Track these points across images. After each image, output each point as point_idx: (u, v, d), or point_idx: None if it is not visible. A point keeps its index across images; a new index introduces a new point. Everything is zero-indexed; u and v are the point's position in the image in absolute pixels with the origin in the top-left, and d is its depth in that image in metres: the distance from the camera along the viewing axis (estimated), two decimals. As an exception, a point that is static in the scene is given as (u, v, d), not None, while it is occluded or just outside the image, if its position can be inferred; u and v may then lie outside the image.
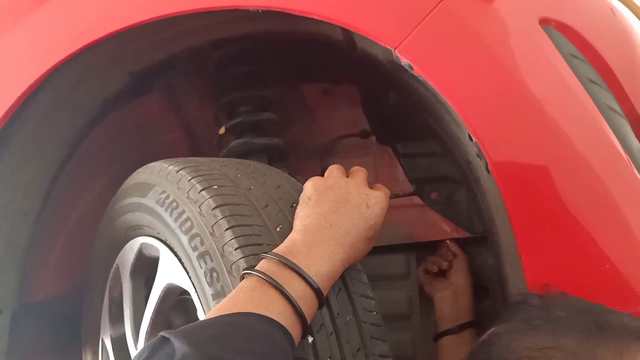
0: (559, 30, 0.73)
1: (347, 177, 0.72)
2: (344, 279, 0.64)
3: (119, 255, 0.86)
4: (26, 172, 0.91)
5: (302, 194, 0.68)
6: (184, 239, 0.66)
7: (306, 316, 0.57)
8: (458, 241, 1.07)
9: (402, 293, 1.10)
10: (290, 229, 0.65)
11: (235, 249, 0.61)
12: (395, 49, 0.71)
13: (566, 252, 0.66)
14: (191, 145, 1.18)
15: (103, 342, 0.92)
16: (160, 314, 0.77)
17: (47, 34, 0.84)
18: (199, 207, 0.66)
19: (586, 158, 0.67)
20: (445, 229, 1.07)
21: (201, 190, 0.67)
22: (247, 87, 1.00)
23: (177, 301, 0.79)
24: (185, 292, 0.72)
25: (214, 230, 0.63)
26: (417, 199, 1.07)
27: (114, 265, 0.87)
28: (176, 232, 0.68)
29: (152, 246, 0.77)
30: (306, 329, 0.58)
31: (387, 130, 1.11)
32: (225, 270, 0.61)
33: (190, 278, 0.68)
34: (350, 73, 1.06)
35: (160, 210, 0.71)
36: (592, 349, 0.49)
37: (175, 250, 0.71)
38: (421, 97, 0.78)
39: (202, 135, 1.17)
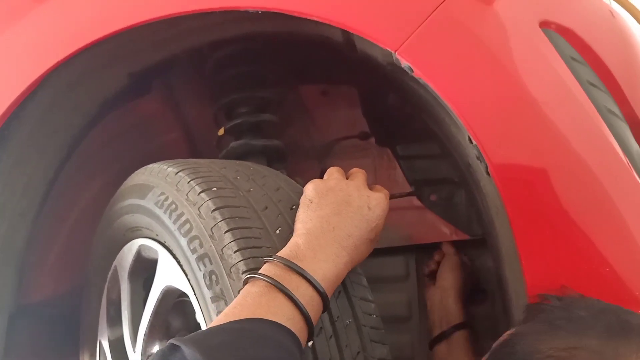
0: (559, 33, 0.73)
1: (347, 178, 0.72)
2: (343, 282, 0.64)
3: (118, 256, 0.85)
4: (24, 173, 0.90)
5: (302, 197, 0.68)
6: (183, 241, 0.66)
7: (312, 320, 0.57)
8: (457, 243, 1.07)
9: (401, 295, 1.10)
10: (290, 231, 0.65)
11: (235, 252, 0.61)
12: (395, 51, 0.70)
13: (566, 255, 0.66)
14: (190, 146, 1.18)
15: (100, 344, 0.91)
16: (158, 316, 0.77)
17: (46, 34, 0.84)
18: (198, 209, 0.65)
19: (586, 161, 0.67)
20: (445, 231, 1.07)
21: (200, 192, 0.67)
22: (246, 88, 1.00)
23: (175, 303, 0.79)
24: (184, 294, 0.71)
25: (213, 233, 0.63)
26: (416, 201, 1.07)
27: (112, 266, 0.87)
28: (175, 235, 0.68)
29: (150, 248, 0.77)
30: (311, 333, 0.57)
31: (386, 132, 1.11)
32: (224, 272, 0.61)
33: (189, 280, 0.68)
34: (350, 75, 1.05)
35: (159, 212, 0.70)
36: (615, 348, 0.50)
37: (174, 252, 0.71)
38: (421, 99, 0.77)
39: (201, 136, 1.17)
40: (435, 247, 1.09)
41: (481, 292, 1.07)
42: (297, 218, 0.65)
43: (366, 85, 1.08)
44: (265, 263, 0.60)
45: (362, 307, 0.65)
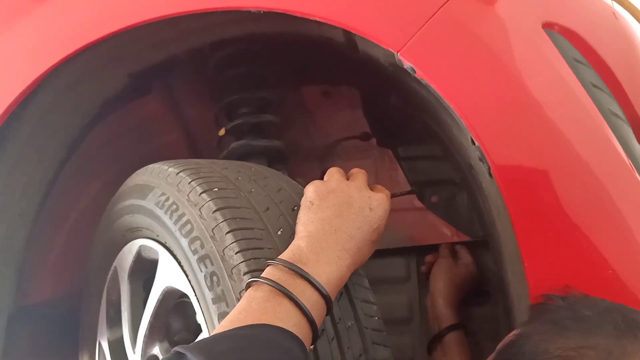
0: (562, 34, 0.73)
1: (347, 179, 0.72)
2: (345, 283, 0.64)
3: (118, 257, 0.85)
4: (24, 173, 0.90)
5: (303, 199, 0.67)
6: (184, 242, 0.66)
7: (317, 325, 0.56)
8: (457, 245, 1.07)
9: (402, 297, 1.10)
10: (292, 232, 0.64)
11: (236, 253, 0.61)
12: (397, 52, 0.70)
13: (568, 256, 0.66)
14: (190, 146, 1.17)
15: (100, 345, 0.91)
16: (158, 317, 0.76)
17: (46, 34, 0.83)
18: (200, 209, 0.65)
19: (588, 163, 0.67)
20: (446, 233, 1.06)
21: (202, 193, 0.66)
22: (247, 88, 1.00)
23: (175, 304, 0.79)
24: (184, 295, 0.71)
25: (214, 234, 0.63)
26: (417, 202, 1.07)
27: (112, 267, 0.87)
28: (176, 235, 0.67)
29: (151, 248, 0.77)
30: (316, 337, 0.57)
31: (387, 133, 1.11)
32: (225, 274, 0.61)
33: (189, 281, 0.67)
34: (351, 75, 1.05)
35: (159, 212, 0.70)
36: (623, 346, 0.50)
37: (175, 253, 0.70)
38: (423, 100, 0.77)
39: (202, 137, 1.16)
40: (436, 248, 1.09)
41: (483, 294, 1.06)
42: (298, 220, 0.65)
43: (368, 86, 1.07)
44: (267, 266, 0.59)
45: (364, 309, 0.64)
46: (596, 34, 0.77)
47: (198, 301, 0.66)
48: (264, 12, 0.76)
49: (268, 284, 0.56)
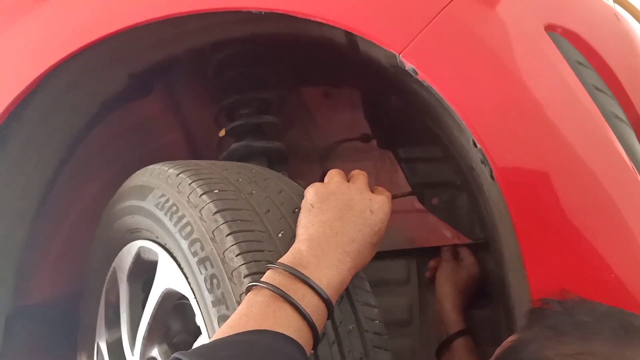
0: (564, 36, 0.73)
1: (348, 181, 0.71)
2: (346, 286, 0.63)
3: (117, 258, 0.85)
4: (23, 173, 0.90)
5: (303, 201, 0.67)
6: (184, 244, 0.65)
7: (318, 330, 0.56)
8: (459, 246, 1.07)
9: (402, 299, 1.09)
10: (293, 235, 0.64)
11: (237, 255, 0.60)
12: (399, 54, 0.70)
13: (571, 260, 0.65)
14: (190, 147, 1.17)
15: (98, 346, 0.90)
16: (157, 319, 0.76)
17: (46, 34, 0.83)
18: (200, 211, 0.65)
19: (591, 166, 0.66)
20: (446, 235, 1.06)
21: (202, 195, 0.66)
22: (247, 89, 1.00)
23: (175, 306, 0.78)
24: (184, 297, 0.70)
25: (214, 236, 0.62)
26: (418, 204, 1.07)
27: (111, 268, 0.86)
28: (176, 237, 0.67)
29: (150, 250, 0.76)
30: (317, 342, 0.57)
31: (388, 135, 1.10)
32: (226, 276, 0.60)
33: (189, 284, 0.67)
34: (352, 76, 1.05)
35: (159, 213, 0.70)
36: (621, 352, 0.50)
37: (175, 255, 0.70)
38: (424, 102, 0.77)
39: (201, 138, 1.16)
40: (437, 250, 1.08)
41: (484, 296, 1.06)
42: (298, 223, 0.65)
43: (368, 87, 1.07)
44: (268, 270, 0.59)
45: (365, 313, 0.64)
46: (598, 36, 0.77)
47: (198, 303, 0.65)
48: (265, 12, 0.75)
49: (268, 289, 0.56)
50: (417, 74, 0.70)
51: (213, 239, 0.62)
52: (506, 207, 0.68)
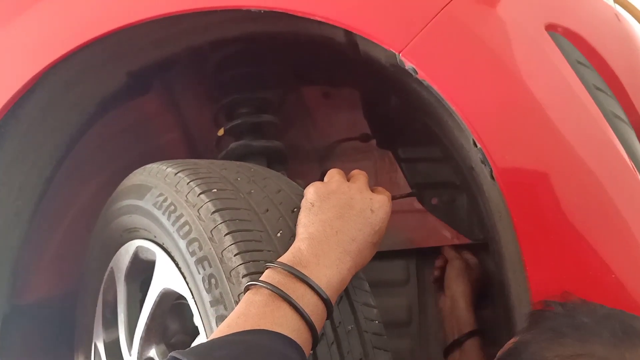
0: (565, 36, 0.73)
1: (348, 181, 0.71)
2: (345, 287, 0.63)
3: (114, 258, 0.84)
4: (20, 171, 0.89)
5: (303, 200, 0.66)
6: (182, 244, 0.65)
7: (317, 330, 0.55)
8: (458, 247, 1.06)
9: (401, 300, 1.09)
10: (292, 234, 0.64)
11: (235, 255, 0.60)
12: (399, 53, 0.70)
13: (571, 261, 0.65)
14: (188, 146, 1.16)
15: (96, 346, 0.90)
16: (155, 319, 0.75)
17: (44, 31, 0.83)
18: (198, 210, 0.64)
19: (592, 166, 0.66)
20: (446, 235, 1.06)
21: (200, 194, 0.65)
22: (246, 88, 0.99)
23: (172, 306, 0.78)
24: (182, 297, 0.70)
25: (213, 235, 0.62)
26: (417, 204, 1.06)
27: (109, 268, 0.86)
28: (174, 236, 0.66)
29: (148, 250, 0.76)
30: (316, 343, 0.56)
31: (388, 135, 1.10)
32: (224, 276, 0.60)
33: (187, 283, 0.66)
34: (352, 76, 1.05)
35: (157, 213, 0.69)
36: (621, 354, 0.49)
37: (173, 254, 0.70)
38: (424, 101, 0.76)
39: (200, 137, 1.16)
40: (436, 251, 1.08)
41: (483, 297, 1.05)
42: (298, 222, 0.64)
43: (368, 87, 1.07)
44: (267, 269, 0.58)
45: (364, 313, 0.63)
46: (599, 36, 0.76)
47: (196, 303, 0.65)
48: (264, 11, 0.75)
49: (267, 288, 0.55)
50: (417, 73, 0.69)
51: (211, 239, 0.62)
52: (506, 207, 0.67)
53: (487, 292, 1.05)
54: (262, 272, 0.59)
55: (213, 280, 0.61)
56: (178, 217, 0.66)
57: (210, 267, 0.61)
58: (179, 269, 0.68)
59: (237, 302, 0.59)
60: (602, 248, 0.65)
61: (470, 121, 0.67)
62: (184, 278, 0.67)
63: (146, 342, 0.76)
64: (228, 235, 0.61)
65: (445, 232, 1.06)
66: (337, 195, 0.66)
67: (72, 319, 0.98)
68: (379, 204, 0.67)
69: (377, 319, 0.65)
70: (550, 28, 0.72)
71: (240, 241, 0.61)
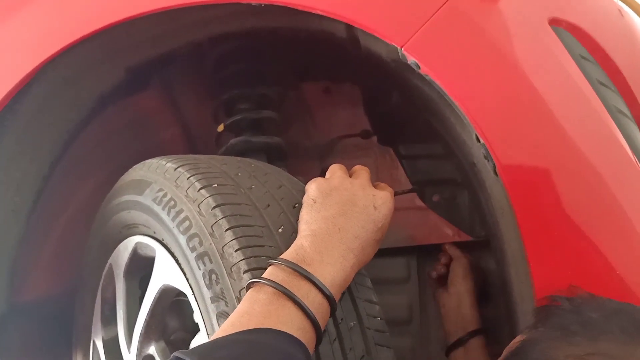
0: (568, 31, 0.72)
1: (350, 177, 0.70)
2: (348, 284, 0.62)
3: (113, 254, 0.83)
4: (18, 168, 0.89)
5: (305, 196, 0.66)
6: (182, 239, 0.64)
7: (321, 328, 0.55)
8: (460, 245, 1.05)
9: (402, 297, 1.08)
10: (293, 230, 0.63)
11: (236, 251, 0.59)
12: (401, 47, 0.69)
13: (575, 257, 0.65)
14: (188, 143, 1.16)
15: (94, 343, 0.89)
16: (155, 316, 0.75)
17: (41, 26, 0.82)
18: (198, 206, 0.63)
19: (595, 161, 0.66)
20: (447, 232, 1.05)
21: (200, 189, 0.65)
22: (246, 84, 0.99)
23: (172, 303, 0.77)
24: (182, 294, 0.69)
25: (213, 231, 0.61)
26: (418, 201, 1.06)
27: (107, 264, 0.85)
28: (174, 232, 0.66)
29: (147, 246, 0.75)
30: (320, 341, 0.56)
31: (388, 131, 1.09)
32: (225, 272, 0.59)
33: (187, 280, 0.66)
34: (353, 72, 1.04)
35: (157, 208, 0.68)
36: (632, 351, 0.48)
37: (172, 250, 0.69)
38: (425, 97, 0.76)
39: (199, 133, 1.15)
40: (437, 248, 1.07)
41: (484, 295, 1.05)
42: (300, 219, 0.63)
43: (369, 83, 1.06)
44: (269, 266, 0.58)
45: (366, 310, 0.63)
46: (602, 30, 0.76)
47: (196, 300, 0.64)
48: (264, 5, 0.74)
49: (271, 286, 0.54)
50: (419, 67, 0.69)
51: (212, 234, 0.61)
52: (509, 203, 0.67)
53: (487, 290, 1.05)
54: (264, 268, 0.58)
55: (214, 276, 0.60)
56: (178, 213, 0.65)
57: (211, 262, 0.61)
58: (179, 265, 0.68)
59: (238, 299, 0.58)
60: (606, 244, 0.64)
61: (473, 116, 0.67)
62: (184, 274, 0.67)
63: (145, 339, 0.76)
64: (229, 231, 0.60)
65: (447, 229, 1.05)
66: (340, 192, 0.65)
67: (70, 317, 0.98)
68: (381, 200, 0.66)
69: (379, 315, 0.64)
70: (554, 22, 0.71)
71: (242, 237, 0.60)
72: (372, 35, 0.71)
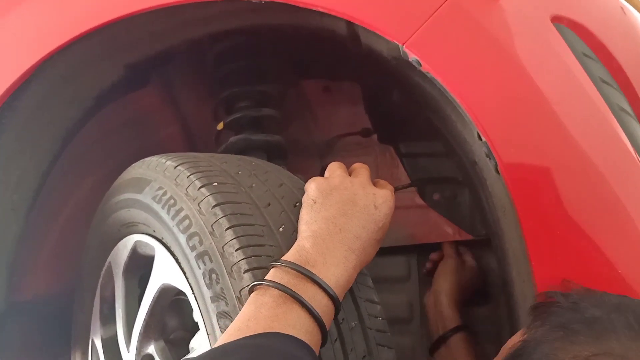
0: (571, 28, 0.72)
1: (349, 175, 0.70)
2: (350, 284, 0.62)
3: (112, 253, 0.83)
4: (17, 166, 0.88)
5: (305, 196, 0.65)
6: (182, 238, 0.64)
7: (326, 329, 0.54)
8: (460, 243, 1.05)
9: (402, 296, 1.08)
10: (294, 229, 0.62)
11: (237, 250, 0.59)
12: (403, 44, 0.68)
13: (577, 256, 0.64)
14: (187, 141, 1.15)
15: (93, 342, 0.89)
16: (154, 315, 0.74)
17: (40, 23, 0.81)
18: (198, 204, 0.63)
19: (598, 159, 0.65)
20: (448, 231, 1.05)
21: (201, 187, 0.64)
22: (246, 82, 0.98)
23: (171, 302, 0.76)
24: (181, 293, 0.69)
25: (213, 230, 0.61)
26: (419, 200, 1.05)
27: (107, 263, 0.85)
28: (173, 231, 0.65)
29: (147, 244, 0.75)
30: (324, 343, 0.55)
31: (389, 129, 1.09)
32: (225, 271, 0.59)
33: (187, 279, 0.65)
34: (353, 70, 1.04)
35: (156, 207, 0.68)
36: (637, 348, 0.47)
37: (172, 249, 0.68)
38: (426, 95, 0.76)
39: (199, 131, 1.15)
40: (437, 247, 1.07)
41: (484, 294, 1.05)
42: (300, 219, 0.63)
43: (369, 81, 1.06)
44: (272, 267, 0.57)
45: (367, 309, 0.62)
46: (605, 28, 0.76)
47: (196, 299, 0.64)
48: (265, 1, 0.74)
49: (278, 289, 0.54)
50: (420, 65, 0.68)
51: (212, 233, 0.61)
52: (511, 201, 0.66)
53: (486, 288, 1.05)
54: (265, 268, 0.58)
55: (214, 276, 0.60)
56: (178, 211, 0.65)
57: (211, 262, 0.60)
58: (179, 264, 0.67)
59: (238, 298, 0.58)
60: (609, 243, 0.64)
61: (475, 114, 0.66)
62: (184, 273, 0.66)
63: (145, 338, 0.75)
64: (229, 230, 0.60)
65: (447, 228, 1.05)
66: (340, 191, 0.64)
67: (69, 316, 0.97)
68: (382, 199, 0.65)
69: (380, 315, 0.64)
70: (556, 20, 0.71)
71: (242, 236, 0.60)
72: (373, 32, 0.71)
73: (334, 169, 0.70)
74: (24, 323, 0.99)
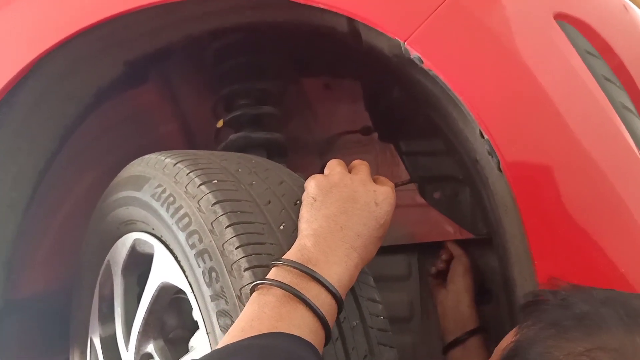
0: (574, 25, 0.71)
1: (349, 172, 0.69)
2: (351, 282, 0.61)
3: (111, 251, 0.82)
4: (14, 163, 0.88)
5: (305, 194, 0.64)
6: (181, 236, 0.63)
7: (330, 329, 0.54)
8: (461, 242, 1.05)
9: (403, 295, 1.08)
10: (294, 227, 0.62)
11: (237, 248, 0.58)
12: (404, 41, 0.68)
13: (580, 255, 0.64)
14: (186, 138, 1.15)
15: (92, 341, 0.88)
16: (153, 313, 0.74)
17: (38, 18, 0.81)
18: (198, 202, 0.62)
19: (601, 158, 0.65)
20: (448, 230, 1.04)
21: (200, 185, 0.63)
22: (246, 79, 0.97)
23: (171, 300, 0.76)
24: (181, 291, 0.68)
25: (213, 228, 0.60)
26: (419, 198, 1.05)
27: (105, 261, 0.84)
28: (173, 229, 0.65)
29: (146, 242, 0.74)
30: (328, 342, 0.55)
31: (389, 127, 1.08)
32: (225, 270, 0.58)
33: (186, 277, 0.65)
34: (354, 67, 1.03)
35: (156, 205, 0.67)
36: (632, 340, 0.47)
37: (171, 247, 0.68)
38: (427, 93, 0.75)
39: (198, 129, 1.14)
40: (438, 246, 1.07)
41: (486, 293, 1.04)
42: (300, 217, 0.62)
43: (370, 78, 1.05)
44: (273, 267, 0.56)
45: (369, 309, 0.62)
46: (608, 26, 0.75)
47: (195, 298, 0.63)
48: (265, -1, 0.74)
49: (281, 288, 0.53)
50: (422, 62, 0.68)
51: (212, 231, 0.60)
52: (513, 200, 0.66)
53: (488, 288, 1.04)
54: (265, 266, 0.57)
55: (214, 274, 0.59)
56: (177, 209, 0.64)
57: (211, 260, 0.60)
58: (178, 262, 0.67)
59: (238, 297, 0.57)
60: (611, 242, 0.63)
61: (478, 111, 0.66)
62: (183, 272, 0.66)
63: (144, 337, 0.75)
64: (229, 228, 0.60)
65: (448, 226, 1.05)
66: (340, 189, 0.64)
67: (67, 314, 0.97)
68: (383, 196, 0.65)
69: (382, 314, 0.63)
70: (559, 17, 0.70)
71: (242, 234, 0.59)
72: (374, 29, 0.71)
73: (334, 167, 0.69)
74: (22, 321, 0.99)
